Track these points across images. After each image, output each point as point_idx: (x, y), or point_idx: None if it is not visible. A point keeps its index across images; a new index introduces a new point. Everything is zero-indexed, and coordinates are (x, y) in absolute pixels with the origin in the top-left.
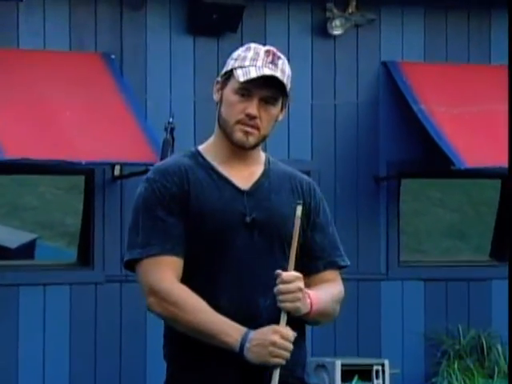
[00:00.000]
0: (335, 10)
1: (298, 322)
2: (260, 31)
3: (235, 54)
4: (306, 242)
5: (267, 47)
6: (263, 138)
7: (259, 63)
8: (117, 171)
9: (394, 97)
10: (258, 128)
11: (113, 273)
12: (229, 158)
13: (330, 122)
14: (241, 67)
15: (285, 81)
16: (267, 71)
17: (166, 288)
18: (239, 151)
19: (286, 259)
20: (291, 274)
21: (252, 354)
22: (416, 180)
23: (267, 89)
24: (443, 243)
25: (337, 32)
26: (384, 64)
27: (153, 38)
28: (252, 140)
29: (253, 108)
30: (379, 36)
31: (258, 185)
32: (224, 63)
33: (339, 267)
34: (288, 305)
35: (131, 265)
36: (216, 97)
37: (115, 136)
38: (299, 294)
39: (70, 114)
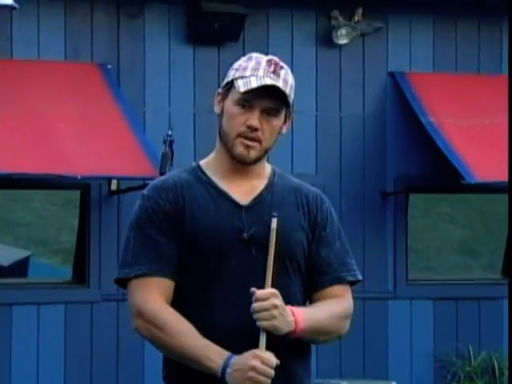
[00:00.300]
0: (341, 19)
1: (299, 342)
2: (262, 40)
3: (236, 64)
4: (311, 256)
5: (269, 57)
6: (265, 151)
7: (260, 73)
8: (113, 186)
9: (401, 109)
10: (259, 141)
11: (109, 291)
12: (230, 173)
13: (335, 135)
14: (242, 77)
15: (287, 91)
16: (268, 81)
17: (151, 310)
18: (240, 166)
19: (288, 277)
20: (266, 291)
21: (232, 380)
22: (424, 195)
23: (269, 99)
24: (453, 260)
25: (342, 41)
26: (391, 74)
27: (151, 48)
28: (253, 154)
29: (254, 119)
30: (386, 45)
31: (258, 199)
32: (225, 74)
33: (348, 282)
34: (264, 323)
35: (123, 283)
36: (217, 109)
37: (112, 149)
38: (274, 312)
39: (65, 127)
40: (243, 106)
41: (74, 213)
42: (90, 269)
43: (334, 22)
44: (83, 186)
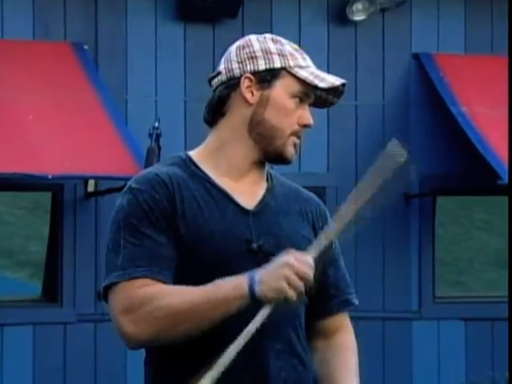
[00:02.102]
0: None
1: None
2: (265, 17)
3: (268, 47)
4: (316, 275)
5: (292, 44)
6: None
7: (309, 63)
8: (91, 187)
9: (427, 97)
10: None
11: (85, 311)
12: (234, 171)
13: (350, 128)
14: (300, 67)
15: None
16: (334, 78)
17: (134, 295)
18: (256, 166)
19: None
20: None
21: (264, 287)
22: (455, 198)
23: (332, 94)
24: (488, 274)
25: (358, 18)
26: (416, 56)
27: (134, 26)
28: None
29: (310, 117)
30: (410, 22)
31: (263, 204)
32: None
33: (352, 305)
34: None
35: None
36: (250, 97)
37: (89, 144)
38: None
39: (34, 118)
40: (300, 100)
41: (44, 218)
42: (62, 284)
43: None
44: (55, 186)
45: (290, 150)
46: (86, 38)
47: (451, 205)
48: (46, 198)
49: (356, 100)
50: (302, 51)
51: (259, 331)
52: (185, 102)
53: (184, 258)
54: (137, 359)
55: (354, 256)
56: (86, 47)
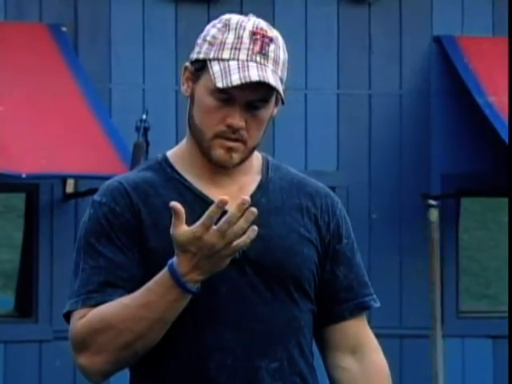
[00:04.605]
0: None
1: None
2: None
3: (209, 34)
4: (324, 277)
5: (253, 24)
6: (252, 150)
7: (243, 56)
8: (70, 187)
9: (450, 85)
10: (243, 141)
11: (64, 327)
12: (208, 171)
13: (363, 120)
14: (218, 60)
15: (279, 74)
16: (254, 72)
17: (76, 331)
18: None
19: (295, 306)
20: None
21: (197, 277)
22: (481, 199)
23: (255, 91)
24: None
25: None
26: (437, 40)
27: (119, 5)
28: (237, 157)
29: (235, 117)
30: (431, 1)
31: (251, 203)
32: None
33: (368, 308)
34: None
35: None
36: (184, 89)
37: (67, 139)
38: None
39: (5, 109)
40: (221, 99)
41: (17, 223)
42: (38, 298)
43: None
44: (29, 187)
45: (217, 154)
46: (64, 19)
47: (477, 207)
48: (19, 199)
49: (370, 89)
50: (261, 34)
51: (247, 351)
52: (176, 91)
53: (157, 272)
54: (120, 380)
55: (366, 265)
56: (64, 29)
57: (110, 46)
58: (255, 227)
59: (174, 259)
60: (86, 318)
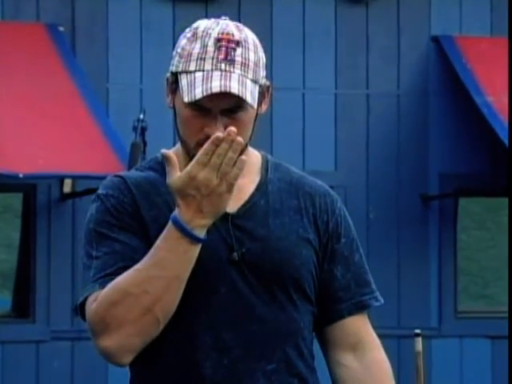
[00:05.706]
0: None
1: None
2: None
3: (180, 45)
4: (323, 277)
5: (219, 30)
6: (241, 150)
7: (208, 66)
8: (67, 187)
9: (448, 85)
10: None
11: (61, 327)
12: None
13: (361, 120)
14: (185, 73)
15: (250, 80)
16: (216, 84)
17: (92, 312)
18: None
19: (294, 308)
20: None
21: (198, 222)
22: (479, 199)
23: (224, 99)
24: None
25: None
26: (435, 39)
27: (116, 5)
28: None
29: (212, 127)
30: (429, 1)
31: (249, 206)
32: None
33: (367, 307)
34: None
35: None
36: (168, 101)
37: (64, 139)
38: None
39: (2, 109)
40: (196, 110)
41: (14, 223)
42: (35, 298)
43: None
44: (27, 187)
45: None
46: (61, 19)
47: (475, 207)
48: (16, 199)
49: (367, 88)
50: (225, 39)
51: (244, 352)
52: None
53: None
54: (120, 381)
55: None
56: (61, 29)
57: (108, 45)
58: (244, 157)
59: (176, 210)
60: (99, 295)
